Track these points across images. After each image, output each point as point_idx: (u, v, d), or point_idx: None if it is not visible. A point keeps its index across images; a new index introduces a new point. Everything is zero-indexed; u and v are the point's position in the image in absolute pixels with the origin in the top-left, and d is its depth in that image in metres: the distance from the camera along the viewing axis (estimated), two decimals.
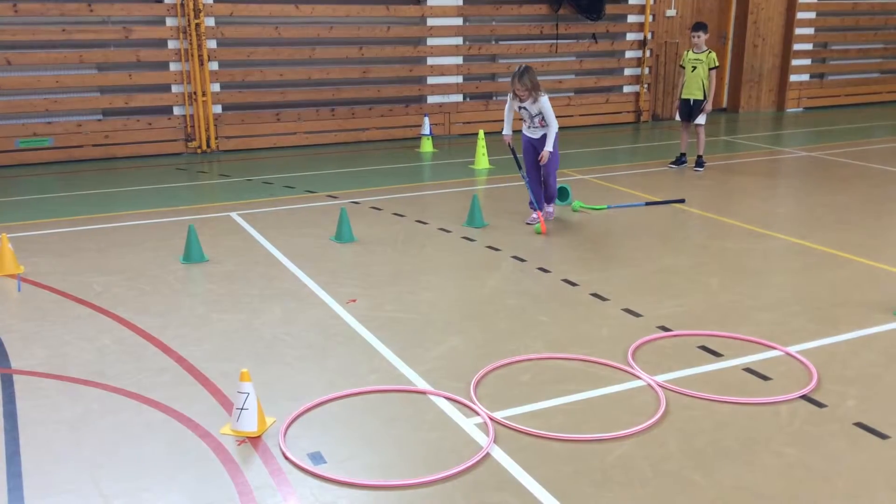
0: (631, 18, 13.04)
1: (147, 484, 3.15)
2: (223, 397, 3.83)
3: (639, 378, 4.01)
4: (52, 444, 3.44)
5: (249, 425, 3.49)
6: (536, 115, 6.74)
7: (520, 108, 6.76)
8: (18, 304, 5.12)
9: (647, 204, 7.69)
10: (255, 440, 3.46)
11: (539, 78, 6.74)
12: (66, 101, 9.95)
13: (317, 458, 3.32)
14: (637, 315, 4.87)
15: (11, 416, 3.66)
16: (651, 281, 5.52)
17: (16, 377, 4.06)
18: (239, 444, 3.42)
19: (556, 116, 6.75)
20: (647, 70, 13.20)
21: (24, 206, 7.76)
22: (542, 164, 6.79)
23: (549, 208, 7.16)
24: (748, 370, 4.12)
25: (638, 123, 13.27)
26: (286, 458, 3.32)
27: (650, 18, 13.02)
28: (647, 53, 13.14)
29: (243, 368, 3.52)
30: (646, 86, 13.27)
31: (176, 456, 3.34)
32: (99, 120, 10.24)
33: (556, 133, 6.75)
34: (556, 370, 4.14)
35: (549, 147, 6.70)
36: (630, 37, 13.10)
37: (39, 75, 9.78)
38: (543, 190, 7.03)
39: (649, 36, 13.08)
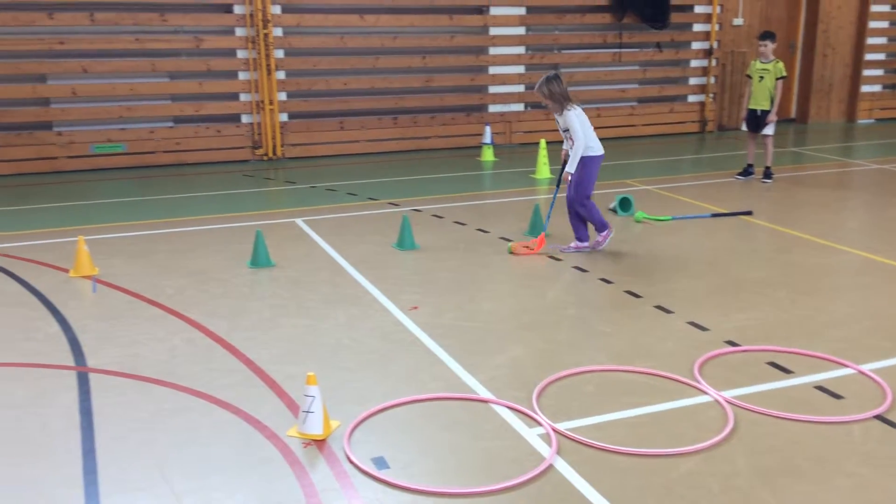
0: (697, 27, 12.86)
1: (216, 483, 3.22)
2: (289, 400, 3.90)
3: (705, 393, 3.95)
4: (125, 441, 3.55)
5: (315, 428, 3.54)
6: (564, 129, 6.21)
7: (556, 117, 6.30)
8: (94, 305, 5.30)
9: (713, 216, 7.56)
10: (320, 443, 3.51)
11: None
12: (139, 109, 10.27)
13: (380, 462, 3.36)
14: (703, 329, 4.79)
15: (87, 414, 3.79)
16: (717, 294, 5.43)
17: (91, 375, 4.20)
18: (305, 447, 3.48)
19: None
20: (712, 79, 12.99)
21: (98, 210, 8.04)
22: (566, 182, 6.27)
23: (599, 237, 6.40)
24: (819, 388, 4.02)
25: (703, 133, 13.06)
26: (350, 461, 3.36)
27: (716, 27, 12.82)
28: (713, 62, 12.94)
29: (309, 372, 3.58)
30: (711, 95, 13.07)
31: (244, 456, 3.41)
32: (170, 127, 10.54)
33: (596, 157, 6.18)
34: (619, 383, 4.10)
35: (569, 168, 6.14)
36: (695, 46, 12.91)
37: (114, 83, 10.12)
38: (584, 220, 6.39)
39: (715, 45, 12.88)
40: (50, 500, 3.12)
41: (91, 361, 4.37)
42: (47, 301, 5.32)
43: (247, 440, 3.54)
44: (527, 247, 6.39)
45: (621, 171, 9.94)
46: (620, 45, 12.40)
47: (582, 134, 6.11)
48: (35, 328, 4.86)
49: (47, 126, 10.10)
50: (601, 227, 6.41)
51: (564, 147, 6.46)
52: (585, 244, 6.44)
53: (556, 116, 6.28)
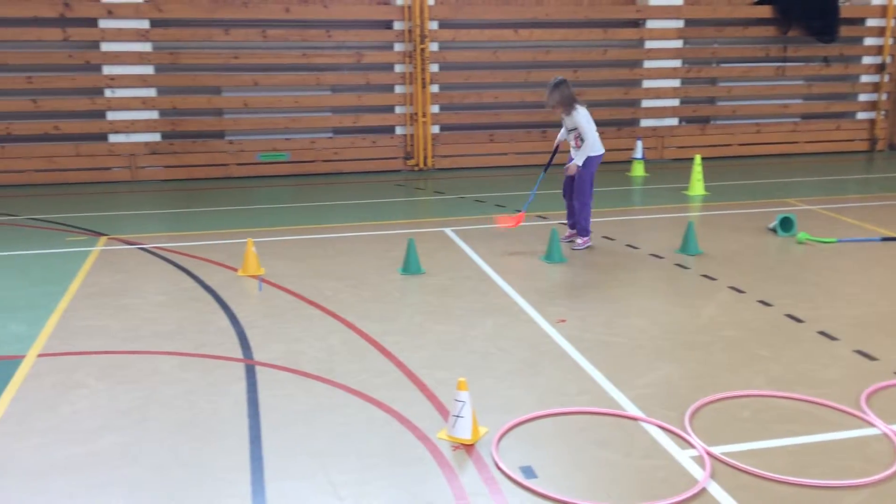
0: (868, 41, 12.13)
1: (370, 477, 3.36)
2: (438, 403, 4.01)
3: (873, 425, 3.72)
4: (288, 431, 3.76)
5: (464, 433, 3.62)
6: (572, 129, 6.65)
7: (564, 118, 6.70)
8: (260, 303, 5.64)
9: (883, 239, 7.10)
10: (469, 447, 3.58)
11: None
12: (302, 120, 10.85)
13: (528, 471, 3.39)
14: (871, 358, 4.52)
15: (254, 404, 4.04)
16: (888, 322, 5.10)
17: (258, 368, 4.48)
18: (454, 450, 3.57)
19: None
20: (884, 96, 12.19)
21: (264, 215, 8.55)
22: (567, 175, 6.71)
23: (579, 240, 6.90)
24: None
25: (872, 152, 12.28)
26: (499, 468, 3.41)
27: (890, 41, 12.03)
28: (886, 78, 12.15)
29: (460, 378, 3.67)
30: (883, 112, 12.26)
31: (397, 454, 3.54)
32: (330, 138, 11.06)
33: (594, 156, 6.59)
34: (779, 409, 3.94)
35: (577, 161, 6.58)
36: (866, 60, 12.19)
37: (281, 95, 10.74)
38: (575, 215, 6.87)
39: (888, 60, 12.09)
40: (220, 482, 3.35)
41: (258, 355, 4.67)
42: (218, 297, 5.72)
43: (399, 439, 3.67)
44: (508, 219, 7.15)
45: (782, 189, 9.52)
46: (784, 59, 11.88)
47: (592, 131, 6.56)
48: (208, 322, 5.23)
49: (220, 135, 10.85)
50: (583, 232, 6.86)
51: (559, 137, 6.99)
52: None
53: (564, 117, 6.69)
